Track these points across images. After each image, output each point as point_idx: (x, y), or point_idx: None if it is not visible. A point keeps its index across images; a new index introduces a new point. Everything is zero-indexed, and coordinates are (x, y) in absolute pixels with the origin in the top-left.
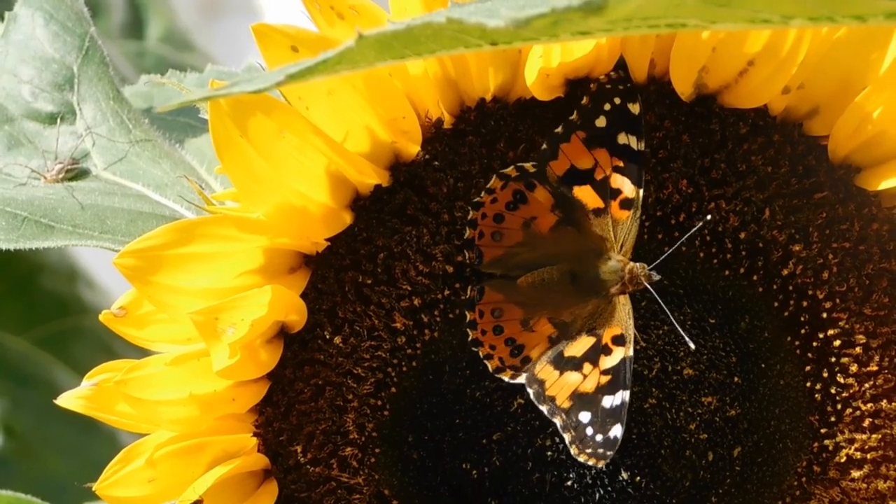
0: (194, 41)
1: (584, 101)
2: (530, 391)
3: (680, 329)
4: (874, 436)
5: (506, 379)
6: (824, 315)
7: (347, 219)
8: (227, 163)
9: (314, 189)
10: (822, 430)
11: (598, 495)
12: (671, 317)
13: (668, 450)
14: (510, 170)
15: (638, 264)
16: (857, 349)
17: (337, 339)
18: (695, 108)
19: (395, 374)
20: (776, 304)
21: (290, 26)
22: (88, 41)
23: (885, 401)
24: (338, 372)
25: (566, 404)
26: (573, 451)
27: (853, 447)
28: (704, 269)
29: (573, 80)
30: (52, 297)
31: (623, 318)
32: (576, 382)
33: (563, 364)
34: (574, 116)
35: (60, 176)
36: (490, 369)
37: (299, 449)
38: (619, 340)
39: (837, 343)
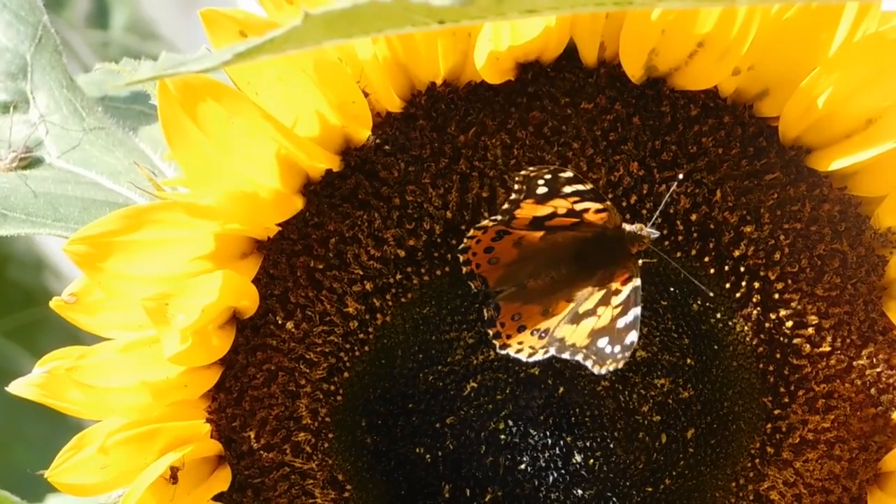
0: (160, 31)
1: (517, 186)
2: (552, 349)
3: (692, 278)
4: (828, 417)
5: (540, 357)
6: (776, 296)
7: (298, 204)
8: (177, 148)
9: (264, 174)
10: (776, 412)
11: (551, 478)
12: (678, 265)
13: (622, 432)
14: (486, 223)
15: (635, 226)
16: (810, 330)
17: (289, 325)
18: (645, 90)
19: (348, 358)
20: (728, 285)
21: (239, 11)
22: (42, 30)
23: (838, 381)
24: (290, 357)
25: (585, 342)
26: (595, 369)
27: (807, 428)
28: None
29: (524, 64)
30: (20, 288)
31: (629, 264)
32: (592, 324)
33: (580, 317)
34: (515, 196)
35: (14, 164)
36: (524, 359)
37: (252, 435)
38: (627, 280)
39: (790, 324)
